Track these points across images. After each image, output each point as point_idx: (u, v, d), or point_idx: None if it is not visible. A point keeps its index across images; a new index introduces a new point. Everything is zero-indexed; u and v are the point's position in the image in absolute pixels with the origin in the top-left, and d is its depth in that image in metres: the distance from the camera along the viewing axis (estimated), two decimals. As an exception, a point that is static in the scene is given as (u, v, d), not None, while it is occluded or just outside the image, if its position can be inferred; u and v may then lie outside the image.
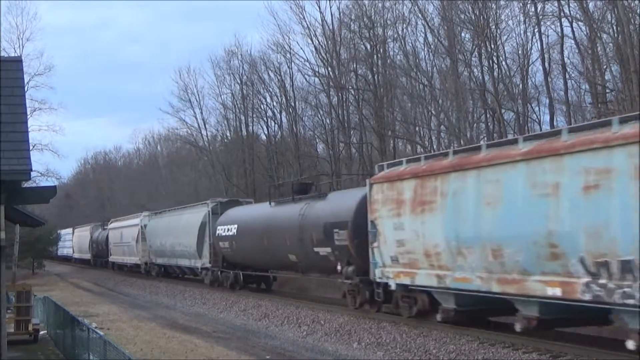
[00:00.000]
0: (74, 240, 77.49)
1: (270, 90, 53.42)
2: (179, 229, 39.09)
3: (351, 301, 21.95)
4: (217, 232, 32.93)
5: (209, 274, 35.05)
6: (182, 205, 44.67)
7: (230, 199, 38.00)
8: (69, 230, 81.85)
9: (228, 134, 61.30)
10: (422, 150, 37.58)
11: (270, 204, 29.40)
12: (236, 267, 32.46)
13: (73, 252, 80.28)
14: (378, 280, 19.75)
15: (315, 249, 23.59)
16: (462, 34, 37.32)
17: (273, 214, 28.31)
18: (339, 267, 22.23)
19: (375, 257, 19.74)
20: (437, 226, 16.66)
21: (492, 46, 35.12)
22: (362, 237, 20.37)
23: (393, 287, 19.10)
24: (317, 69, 47.37)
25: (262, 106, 55.32)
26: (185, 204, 46.44)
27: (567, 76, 33.50)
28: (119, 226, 54.00)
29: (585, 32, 32.00)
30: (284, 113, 53.00)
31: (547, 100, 33.72)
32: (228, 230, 31.97)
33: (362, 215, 20.45)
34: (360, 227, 20.51)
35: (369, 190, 20.06)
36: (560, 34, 32.89)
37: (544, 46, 33.62)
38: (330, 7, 47.61)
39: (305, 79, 49.42)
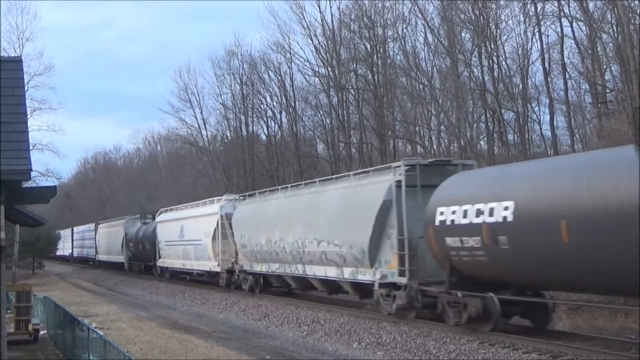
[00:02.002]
0: (97, 238, 61.97)
1: (270, 90, 53.53)
2: (325, 214, 22.85)
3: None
4: (438, 217, 17.00)
5: (407, 300, 18.67)
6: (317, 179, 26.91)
7: (436, 160, 21.83)
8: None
9: (228, 134, 61.37)
10: (422, 150, 37.57)
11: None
12: (485, 289, 16.16)
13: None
14: None
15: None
16: (462, 34, 37.37)
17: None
18: None
19: None
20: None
21: (492, 46, 35.14)
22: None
23: None
24: (317, 69, 47.48)
25: (262, 106, 55.43)
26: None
27: (567, 76, 33.53)
28: (177, 218, 38.83)
29: (585, 32, 32.03)
30: (284, 113, 53.11)
31: (547, 100, 33.76)
32: (482, 214, 15.59)
33: None
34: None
35: None
36: (560, 34, 32.92)
37: (544, 46, 33.68)
38: (330, 7, 47.81)
39: (305, 79, 49.53)
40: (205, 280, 35.31)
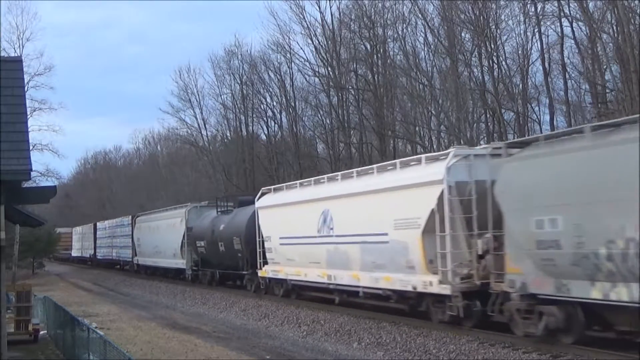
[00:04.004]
0: (136, 235, 47.49)
1: (270, 90, 53.59)
2: None
3: None
4: None
5: None
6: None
7: None
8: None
9: (228, 134, 61.45)
10: (422, 150, 37.59)
11: None
12: None
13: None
14: None
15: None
16: (462, 34, 37.40)
17: None
18: None
19: None
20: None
21: (492, 46, 35.17)
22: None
23: None
24: (317, 69, 47.52)
25: (262, 106, 55.49)
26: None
27: (567, 76, 33.57)
28: (313, 198, 23.05)
29: (585, 32, 32.05)
30: (284, 113, 53.16)
31: (547, 100, 33.80)
32: None
33: None
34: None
35: None
36: (560, 34, 32.95)
37: (544, 46, 33.73)
38: (330, 7, 47.61)
39: (305, 79, 49.60)
40: (395, 307, 19.37)
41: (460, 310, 15.95)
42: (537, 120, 36.78)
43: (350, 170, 22.53)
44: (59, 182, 63.55)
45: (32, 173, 13.40)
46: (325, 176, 23.78)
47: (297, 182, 26.44)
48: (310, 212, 22.71)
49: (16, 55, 43.59)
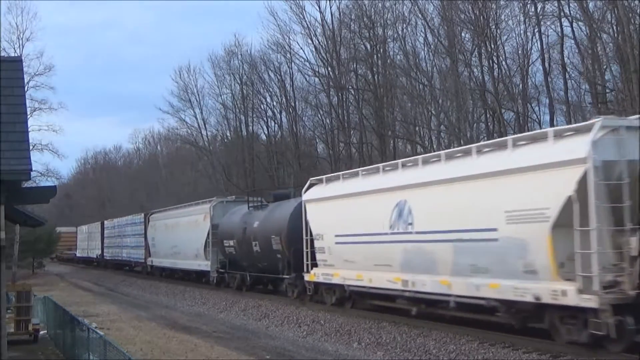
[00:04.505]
0: (151, 235, 43.59)
1: (270, 90, 53.62)
2: None
3: None
4: None
5: None
6: None
7: None
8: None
9: (228, 134, 61.49)
10: (422, 150, 37.60)
11: None
12: None
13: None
14: None
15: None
16: (462, 34, 37.40)
17: None
18: None
19: None
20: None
21: (492, 46, 35.16)
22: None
23: None
24: (317, 69, 47.55)
25: (262, 106, 55.54)
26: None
27: (567, 76, 33.56)
28: (384, 187, 19.21)
29: (585, 32, 32.04)
30: (284, 113, 53.20)
31: (547, 100, 33.80)
32: None
33: None
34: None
35: None
36: (560, 34, 32.94)
37: (544, 46, 33.73)
38: (330, 7, 47.63)
39: (305, 79, 49.63)
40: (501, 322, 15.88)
41: (610, 329, 12.19)
42: (537, 120, 36.80)
43: (434, 154, 19.29)
44: (59, 182, 63.54)
45: (32, 173, 13.41)
46: (398, 161, 19.70)
47: (358, 169, 22.28)
48: (378, 204, 18.92)
49: (16, 55, 43.60)
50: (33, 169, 14.71)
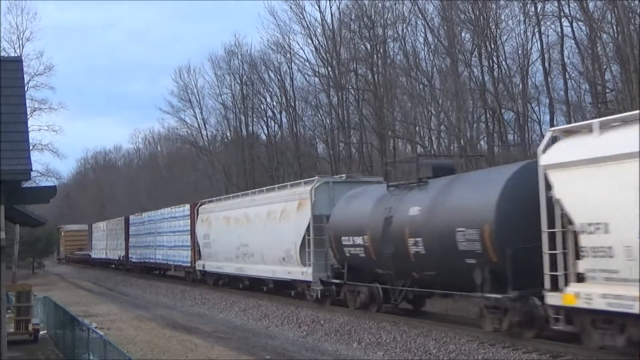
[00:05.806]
0: (200, 231, 34.47)
1: (270, 90, 53.57)
2: None
3: None
4: None
5: None
6: None
7: None
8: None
9: (228, 134, 61.45)
10: (422, 150, 37.59)
11: None
12: None
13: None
14: None
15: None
16: (462, 34, 37.36)
17: None
18: None
19: None
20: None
21: (492, 46, 35.12)
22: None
23: None
24: (317, 69, 47.51)
25: (262, 106, 55.48)
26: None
27: (567, 76, 33.52)
28: None
29: (585, 32, 32.01)
30: (284, 113, 53.14)
31: (547, 100, 33.75)
32: None
33: None
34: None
35: None
36: (560, 34, 32.91)
37: (544, 46, 33.67)
38: (330, 7, 47.58)
39: (305, 79, 49.58)
40: None
41: None
42: (537, 120, 36.77)
43: None
44: (58, 182, 63.64)
45: (32, 173, 13.41)
46: None
47: None
48: None
49: (16, 55, 43.62)
50: (33, 169, 14.72)
